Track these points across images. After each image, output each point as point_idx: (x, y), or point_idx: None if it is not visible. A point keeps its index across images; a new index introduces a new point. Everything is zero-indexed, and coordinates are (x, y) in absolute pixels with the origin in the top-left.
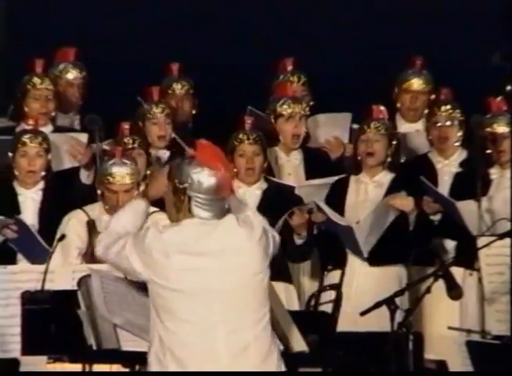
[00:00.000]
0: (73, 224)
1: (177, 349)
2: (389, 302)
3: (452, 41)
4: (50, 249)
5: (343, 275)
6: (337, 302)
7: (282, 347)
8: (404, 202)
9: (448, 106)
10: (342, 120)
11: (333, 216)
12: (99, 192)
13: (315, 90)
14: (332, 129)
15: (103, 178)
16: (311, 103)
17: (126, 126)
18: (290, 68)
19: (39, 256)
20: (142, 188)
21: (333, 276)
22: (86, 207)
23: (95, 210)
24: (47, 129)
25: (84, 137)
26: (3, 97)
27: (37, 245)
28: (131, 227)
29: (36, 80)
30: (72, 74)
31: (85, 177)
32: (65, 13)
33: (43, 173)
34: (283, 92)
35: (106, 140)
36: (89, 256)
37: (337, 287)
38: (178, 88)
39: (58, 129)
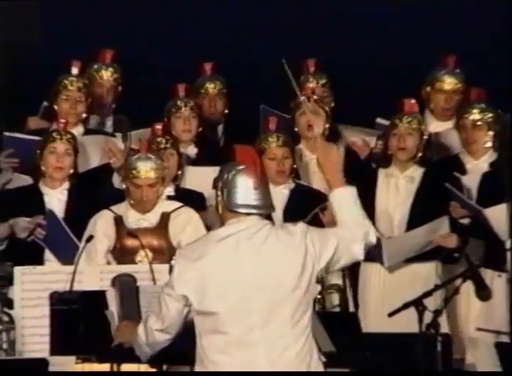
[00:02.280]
0: (101, 224)
1: (216, 367)
2: (417, 303)
3: (479, 40)
4: (79, 243)
5: (344, 277)
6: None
7: (324, 359)
8: (448, 239)
9: (476, 109)
10: (369, 133)
11: None
12: (124, 187)
13: (340, 89)
14: (359, 134)
15: (128, 173)
16: (332, 105)
17: (158, 126)
18: (312, 69)
19: (67, 252)
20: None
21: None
22: (113, 206)
23: (122, 208)
24: (78, 131)
25: (120, 143)
26: (38, 97)
27: (67, 239)
28: None
29: (67, 81)
30: (105, 75)
31: (118, 182)
32: (97, 14)
33: (70, 171)
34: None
35: (137, 130)
36: (118, 252)
37: (341, 291)
38: (211, 87)
39: (89, 131)
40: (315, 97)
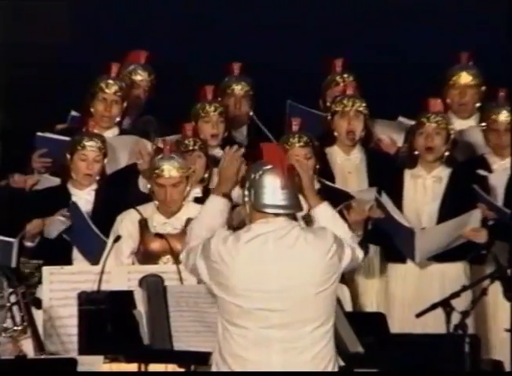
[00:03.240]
0: (126, 224)
1: (233, 361)
2: (445, 304)
3: (499, 38)
4: (103, 236)
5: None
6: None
7: (342, 363)
8: (478, 234)
9: (506, 113)
10: (400, 127)
11: (396, 214)
12: (148, 187)
13: (366, 90)
14: (387, 131)
15: (152, 173)
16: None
17: (189, 127)
18: (339, 69)
19: (92, 246)
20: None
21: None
22: (139, 207)
23: (148, 209)
24: (112, 133)
25: (150, 146)
26: (66, 97)
27: (90, 233)
28: (213, 228)
29: (105, 83)
30: (140, 76)
31: (143, 185)
32: (124, 14)
33: (98, 177)
34: (332, 91)
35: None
36: (141, 255)
37: None
38: (238, 88)
39: (123, 133)
40: (357, 103)
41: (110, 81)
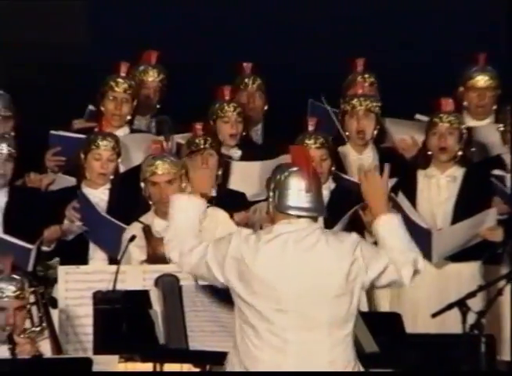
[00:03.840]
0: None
1: (249, 362)
2: (461, 304)
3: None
4: (117, 223)
5: None
6: None
7: (362, 369)
8: (494, 233)
9: None
10: (419, 127)
11: (413, 214)
12: (142, 185)
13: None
14: (408, 131)
15: (145, 173)
16: (380, 104)
17: (199, 126)
18: (360, 68)
19: (110, 235)
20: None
21: None
22: (142, 217)
23: (149, 217)
24: (123, 132)
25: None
26: (84, 97)
27: (103, 221)
28: (189, 222)
29: (114, 82)
30: (150, 76)
31: None
32: (143, 15)
33: (112, 176)
34: (351, 90)
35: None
36: (150, 260)
37: None
38: (250, 82)
39: (134, 132)
40: (367, 102)
41: (120, 80)
